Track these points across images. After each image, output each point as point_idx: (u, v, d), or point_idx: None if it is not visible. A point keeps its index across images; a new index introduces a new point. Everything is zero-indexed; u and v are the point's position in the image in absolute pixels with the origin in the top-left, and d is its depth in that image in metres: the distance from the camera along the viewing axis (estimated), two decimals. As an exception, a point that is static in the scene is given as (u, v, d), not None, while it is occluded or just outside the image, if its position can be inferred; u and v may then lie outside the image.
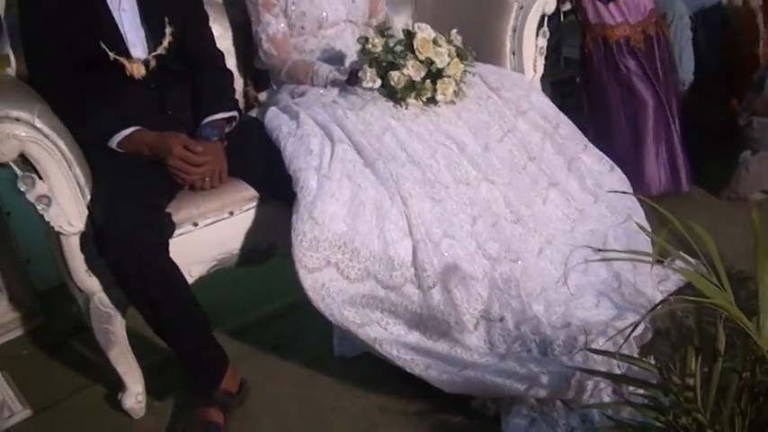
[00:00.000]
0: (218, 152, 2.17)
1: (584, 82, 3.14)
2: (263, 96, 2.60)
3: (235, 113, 2.30)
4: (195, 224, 2.13)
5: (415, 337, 2.04)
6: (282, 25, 2.49)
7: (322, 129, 2.17)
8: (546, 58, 2.76)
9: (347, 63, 2.48)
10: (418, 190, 2.10)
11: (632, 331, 1.48)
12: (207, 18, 2.41)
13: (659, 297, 2.26)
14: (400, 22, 2.91)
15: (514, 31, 2.68)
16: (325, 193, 2.01)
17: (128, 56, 2.19)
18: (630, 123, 2.98)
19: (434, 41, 2.24)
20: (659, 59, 3.01)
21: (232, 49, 2.61)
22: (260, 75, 2.64)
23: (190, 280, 2.11)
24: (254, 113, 2.48)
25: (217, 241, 2.17)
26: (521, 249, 2.19)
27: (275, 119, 2.26)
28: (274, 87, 2.56)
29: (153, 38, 2.23)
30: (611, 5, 2.95)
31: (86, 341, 2.54)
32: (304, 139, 2.13)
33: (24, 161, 1.95)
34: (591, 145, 2.53)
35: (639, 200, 2.39)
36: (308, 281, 1.98)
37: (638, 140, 2.98)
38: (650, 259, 1.49)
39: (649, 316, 2.11)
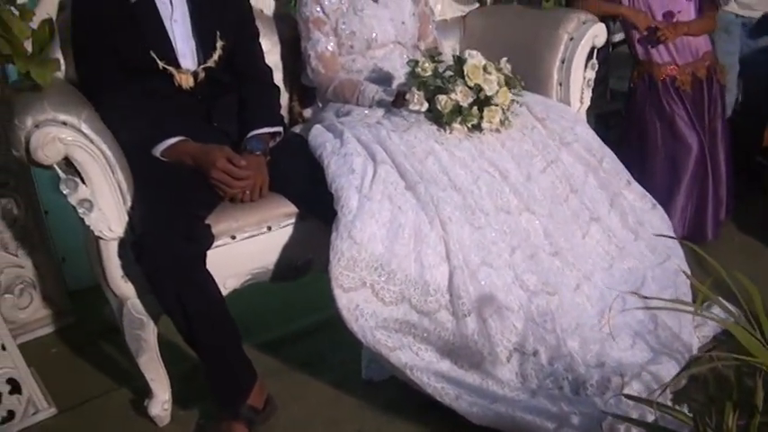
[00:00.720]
0: (261, 166, 2.17)
1: (627, 115, 3.10)
2: (307, 113, 2.61)
3: (280, 129, 2.30)
4: (233, 237, 2.12)
5: (446, 365, 2.01)
6: (332, 44, 2.50)
7: (365, 149, 2.16)
8: (593, 89, 2.74)
9: (394, 84, 2.48)
10: (458, 215, 2.08)
11: (669, 383, 1.44)
12: (257, 34, 2.42)
13: (696, 342, 2.23)
14: (448, 47, 2.90)
15: (563, 62, 2.66)
16: (365, 213, 2.00)
17: (177, 66, 2.20)
18: (668, 164, 2.93)
19: (484, 68, 2.22)
20: (708, 104, 2.96)
21: (280, 65, 2.61)
22: (306, 91, 2.64)
23: (224, 292, 2.10)
24: (297, 129, 2.47)
25: (253, 255, 2.16)
26: (558, 283, 2.16)
27: (320, 136, 2.26)
28: (320, 105, 2.56)
29: (203, 50, 2.24)
30: (661, 47, 2.91)
31: (115, 343, 2.55)
32: (347, 159, 2.12)
33: (68, 164, 1.96)
34: (634, 181, 2.50)
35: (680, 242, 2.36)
36: (343, 300, 1.97)
37: (672, 182, 2.92)
38: (690, 308, 1.45)
39: (684, 362, 2.08)
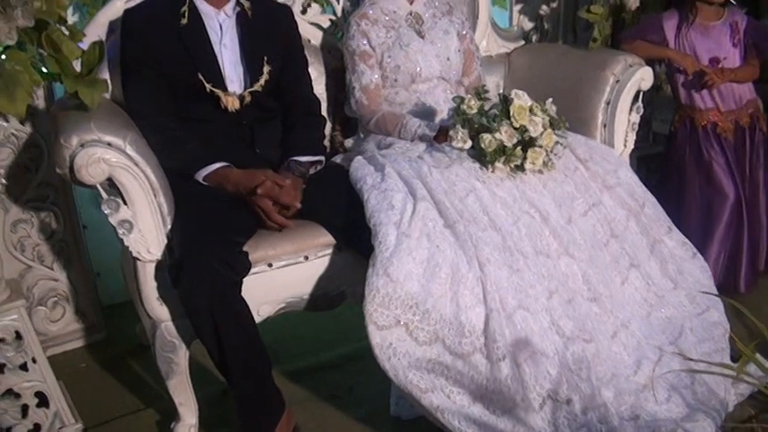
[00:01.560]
0: (297, 187, 2.16)
1: (666, 159, 3.05)
2: (348, 143, 2.60)
3: (321, 158, 2.29)
4: (270, 265, 2.11)
5: (477, 409, 1.97)
6: (376, 76, 2.50)
7: (406, 185, 2.14)
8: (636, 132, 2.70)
9: (437, 119, 2.47)
10: (497, 257, 2.05)
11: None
12: (306, 62, 2.44)
13: (732, 400, 2.17)
14: (492, 83, 2.90)
15: (608, 103, 2.64)
16: (402, 250, 1.97)
17: (224, 89, 2.22)
18: (704, 211, 2.87)
19: (530, 109, 2.19)
20: (749, 153, 2.91)
21: (324, 94, 2.61)
22: (348, 121, 2.64)
23: (257, 319, 2.09)
24: (338, 159, 2.46)
25: (289, 284, 2.14)
26: (595, 330, 2.11)
27: (360, 169, 2.24)
28: (361, 135, 2.55)
29: (250, 74, 2.26)
30: (705, 92, 2.87)
31: (145, 362, 2.55)
32: (387, 194, 2.10)
33: (111, 185, 1.97)
34: (675, 228, 2.45)
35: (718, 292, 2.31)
36: (377, 338, 1.94)
37: (706, 230, 2.86)
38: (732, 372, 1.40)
39: (720, 420, 2.02)
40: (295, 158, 2.23)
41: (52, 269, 2.68)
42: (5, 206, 2.53)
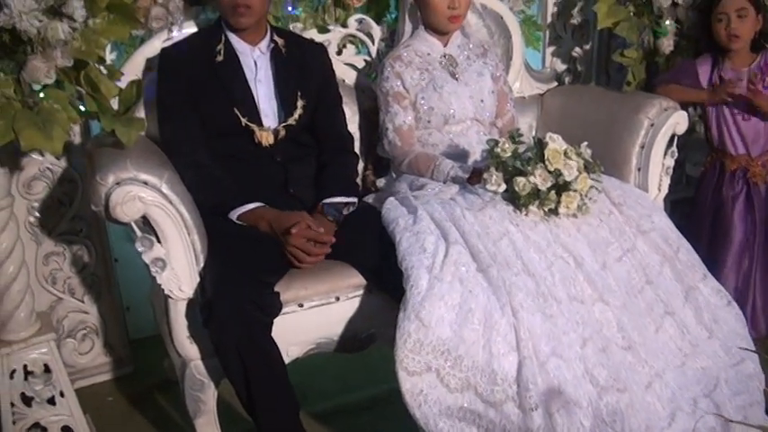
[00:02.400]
0: (330, 232, 2.16)
1: (695, 201, 2.99)
2: (381, 183, 2.58)
3: (354, 200, 2.29)
4: (301, 305, 2.09)
5: (509, 459, 1.92)
6: (410, 118, 2.49)
7: (438, 227, 2.11)
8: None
9: (469, 161, 2.45)
10: (530, 303, 2.01)
11: None
12: (340, 99, 2.44)
13: (770, 456, 2.10)
14: (525, 124, 2.88)
15: (642, 147, 2.61)
16: (434, 294, 1.94)
17: (259, 123, 2.23)
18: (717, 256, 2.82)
19: (565, 153, 2.16)
20: None
21: (357, 134, 2.60)
22: (381, 161, 2.63)
23: (286, 360, 2.07)
24: (370, 199, 2.45)
25: (319, 325, 2.13)
26: (629, 380, 2.06)
27: (393, 211, 2.22)
28: (394, 176, 2.54)
29: (284, 109, 2.27)
30: (734, 135, 2.82)
31: (172, 397, 2.54)
32: (419, 237, 2.07)
33: (145, 223, 1.97)
34: (710, 275, 2.39)
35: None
36: (407, 384, 1.90)
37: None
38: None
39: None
40: (329, 201, 2.23)
41: (83, 302, 2.68)
42: (38, 239, 2.54)
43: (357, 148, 2.55)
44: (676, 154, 2.68)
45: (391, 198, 2.31)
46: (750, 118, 2.79)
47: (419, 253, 2.03)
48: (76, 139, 2.47)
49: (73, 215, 2.58)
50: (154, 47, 2.36)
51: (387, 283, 2.08)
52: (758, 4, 2.71)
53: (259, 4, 2.18)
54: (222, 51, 2.22)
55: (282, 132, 2.25)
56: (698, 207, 2.96)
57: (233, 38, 2.25)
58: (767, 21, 2.76)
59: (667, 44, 2.82)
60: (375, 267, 2.13)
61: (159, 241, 1.97)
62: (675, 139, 2.66)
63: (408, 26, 2.58)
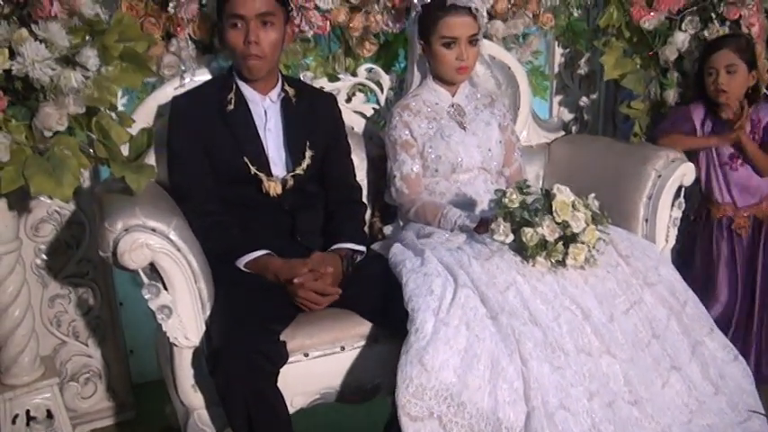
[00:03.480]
0: (337, 277, 2.15)
1: (685, 249, 2.98)
2: (388, 230, 2.59)
3: (363, 249, 2.29)
4: (306, 354, 2.08)
5: None
6: (417, 166, 2.50)
7: (447, 270, 2.11)
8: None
9: (477, 210, 2.45)
10: (539, 353, 2.00)
11: None
12: (349, 149, 2.46)
13: None
14: (532, 173, 2.90)
15: (649, 198, 2.62)
16: (439, 338, 1.92)
17: (268, 172, 2.24)
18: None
19: (573, 205, 2.16)
20: (764, 249, 2.83)
21: (365, 181, 2.62)
22: (388, 208, 2.63)
23: (290, 410, 2.04)
24: (377, 247, 2.44)
25: (324, 375, 2.11)
26: (636, 436, 2.04)
27: (400, 254, 2.23)
28: (401, 224, 2.54)
29: (293, 159, 2.28)
30: (721, 182, 2.81)
31: (173, 444, 2.50)
32: (427, 278, 2.06)
33: (152, 269, 1.96)
34: (717, 329, 2.38)
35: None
36: (410, 430, 1.88)
37: None
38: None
39: None
40: (339, 246, 2.23)
41: (87, 345, 2.67)
42: (44, 281, 2.54)
43: (365, 196, 2.56)
44: (684, 205, 2.68)
45: (397, 243, 2.32)
46: (738, 168, 2.80)
47: (426, 295, 2.02)
48: (85, 183, 2.48)
49: (80, 258, 2.58)
50: (165, 93, 2.38)
51: (392, 322, 2.06)
52: (749, 60, 2.72)
53: (271, 53, 2.21)
54: (233, 100, 2.24)
55: (290, 182, 2.26)
56: (687, 252, 2.95)
57: (244, 87, 2.27)
58: (761, 77, 2.77)
59: (674, 95, 2.84)
60: (379, 310, 2.12)
61: (166, 288, 1.96)
62: (682, 190, 2.66)
63: (417, 76, 2.60)
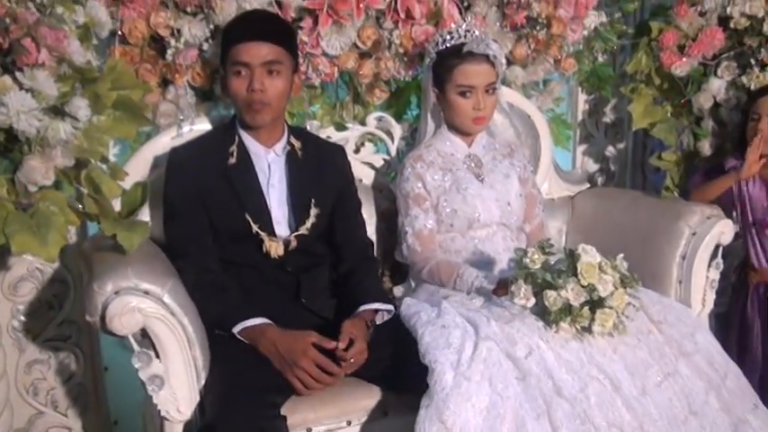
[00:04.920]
0: (362, 352, 2.11)
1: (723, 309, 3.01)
2: (398, 291, 2.60)
3: (391, 307, 2.29)
4: (309, 429, 2.08)
5: None
6: (431, 221, 2.51)
7: (467, 321, 2.13)
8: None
9: (495, 269, 2.47)
10: (568, 423, 2.00)
11: None
12: (359, 206, 2.48)
13: None
14: (554, 228, 2.92)
15: (683, 258, 2.63)
16: (461, 394, 1.94)
17: (270, 232, 2.25)
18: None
19: (599, 267, 2.18)
20: None
21: (374, 236, 2.63)
22: (398, 267, 2.65)
23: (290, 490, 2.04)
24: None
25: (328, 452, 2.11)
26: None
27: (413, 306, 2.26)
28: (412, 284, 2.56)
29: (297, 217, 2.30)
30: (758, 246, 2.83)
31: None
32: (444, 331, 2.08)
33: (144, 336, 1.97)
34: (761, 405, 2.36)
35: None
36: None
37: None
38: None
39: None
40: (366, 307, 2.22)
41: (66, 416, 2.64)
42: (21, 345, 2.52)
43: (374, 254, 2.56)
44: (721, 265, 2.68)
45: (408, 298, 2.34)
46: None
47: (444, 348, 2.03)
48: (72, 238, 2.47)
49: (62, 320, 2.57)
50: (161, 143, 2.41)
51: (407, 382, 2.07)
52: None
53: (277, 101, 2.24)
54: (235, 153, 2.26)
55: (294, 243, 2.27)
56: (727, 317, 2.97)
57: (247, 138, 2.29)
58: None
59: (708, 146, 2.87)
60: (393, 371, 2.13)
61: (158, 356, 1.97)
62: (720, 249, 2.67)
63: (430, 125, 2.64)
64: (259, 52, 2.19)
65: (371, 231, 2.62)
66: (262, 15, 2.36)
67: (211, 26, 2.41)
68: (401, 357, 2.11)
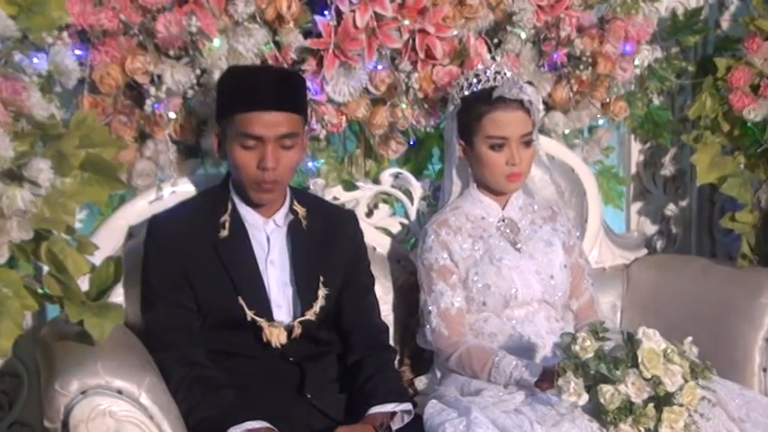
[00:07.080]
0: None
1: None
2: (421, 383, 2.57)
3: (409, 407, 2.24)
4: None
5: None
6: (459, 298, 2.49)
7: None
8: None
9: (538, 357, 2.43)
10: None
11: None
12: (372, 284, 2.46)
13: None
14: (607, 304, 2.90)
15: (767, 341, 2.60)
16: None
17: (269, 317, 2.23)
18: None
19: (665, 354, 2.12)
20: None
21: (390, 316, 2.61)
22: (421, 354, 2.62)
23: None
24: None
25: None
26: None
27: (438, 415, 2.19)
28: (438, 375, 2.52)
29: (301, 300, 2.28)
30: None
31: None
32: None
33: (115, 443, 1.93)
34: None
35: None
36: None
37: None
38: None
39: None
40: (375, 411, 2.18)
41: None
42: (-44, 457, 2.51)
43: (390, 336, 2.55)
44: (813, 349, 2.65)
45: (433, 401, 2.29)
46: None
47: None
48: (27, 322, 2.43)
49: (12, 421, 2.57)
50: (137, 209, 2.41)
51: None
52: None
53: (289, 175, 2.26)
54: (228, 224, 2.24)
55: (298, 330, 2.24)
56: None
57: (242, 207, 2.28)
58: None
59: (792, 206, 2.85)
60: None
61: (131, 469, 1.93)
62: (810, 329, 2.64)
63: (456, 183, 2.63)
64: (274, 125, 2.18)
65: (387, 311, 2.60)
66: (274, 75, 2.35)
67: (197, 71, 2.41)
68: None
